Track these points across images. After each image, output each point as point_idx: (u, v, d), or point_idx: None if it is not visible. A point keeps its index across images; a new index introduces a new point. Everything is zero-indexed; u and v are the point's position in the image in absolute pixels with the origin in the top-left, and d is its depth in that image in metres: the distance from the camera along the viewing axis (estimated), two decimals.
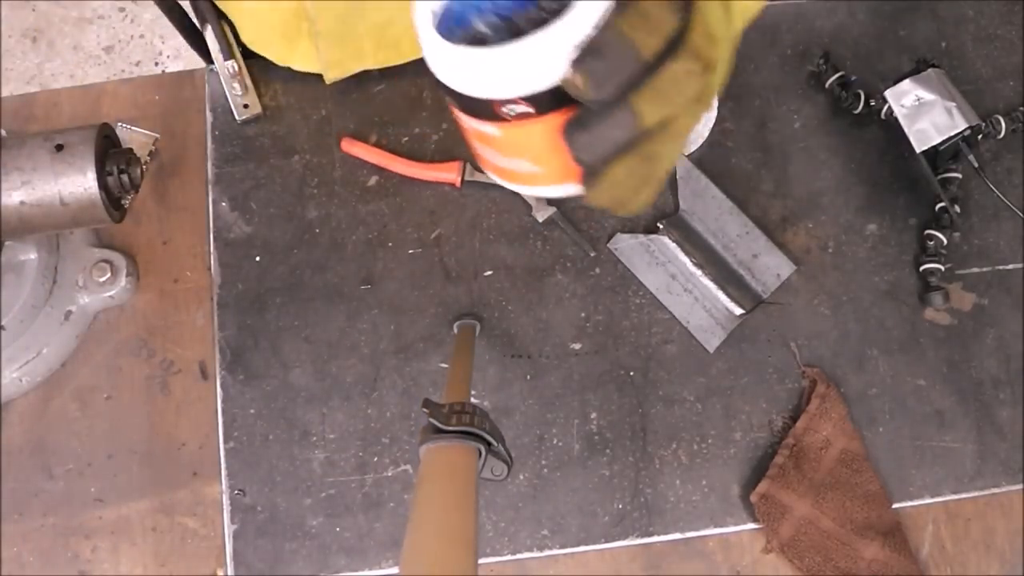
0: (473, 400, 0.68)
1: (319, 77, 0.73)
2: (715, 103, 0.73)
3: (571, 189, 0.46)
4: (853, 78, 0.72)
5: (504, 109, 0.42)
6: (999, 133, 0.69)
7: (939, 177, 0.68)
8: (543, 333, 0.70)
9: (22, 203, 0.58)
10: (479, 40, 0.44)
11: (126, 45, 1.80)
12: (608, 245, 0.71)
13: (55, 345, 0.70)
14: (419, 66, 0.73)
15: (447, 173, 0.72)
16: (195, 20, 0.77)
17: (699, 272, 0.70)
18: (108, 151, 0.60)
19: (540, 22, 0.43)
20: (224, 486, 0.68)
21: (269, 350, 0.70)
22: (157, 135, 0.75)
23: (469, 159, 0.73)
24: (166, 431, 0.70)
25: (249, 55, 0.75)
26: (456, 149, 0.74)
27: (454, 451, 0.48)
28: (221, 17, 0.73)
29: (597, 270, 0.71)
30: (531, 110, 0.42)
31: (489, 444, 0.49)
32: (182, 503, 0.69)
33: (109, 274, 0.71)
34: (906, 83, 0.66)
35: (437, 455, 0.48)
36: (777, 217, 0.72)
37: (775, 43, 0.75)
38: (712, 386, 0.69)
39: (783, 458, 0.66)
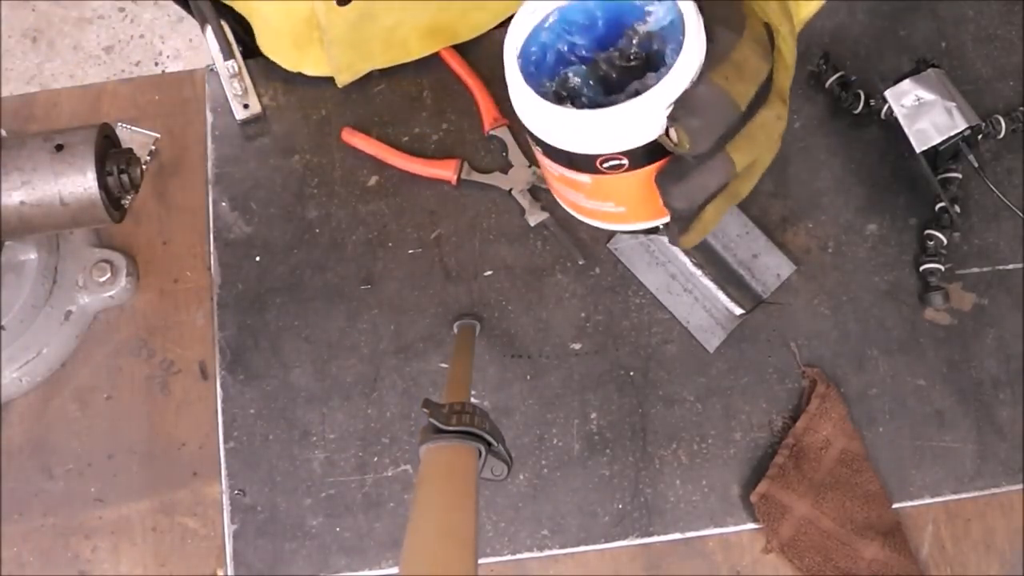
0: (473, 400, 0.68)
1: (319, 77, 0.73)
2: None
3: (651, 224, 0.47)
4: (853, 78, 0.72)
5: (599, 163, 0.42)
6: (999, 133, 0.69)
7: (939, 177, 0.68)
8: (543, 333, 0.70)
9: (22, 203, 0.58)
10: (570, 89, 0.44)
11: (126, 45, 1.80)
12: (608, 245, 0.71)
13: (55, 345, 0.70)
14: (420, 66, 0.73)
15: (444, 170, 0.72)
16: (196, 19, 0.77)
17: (699, 272, 0.70)
18: (108, 151, 0.60)
19: (625, 70, 0.44)
20: (224, 486, 0.68)
21: (269, 350, 0.70)
22: (157, 135, 0.75)
23: (468, 158, 0.73)
24: (166, 431, 0.70)
25: (249, 55, 0.75)
26: (456, 149, 0.74)
27: (454, 451, 0.48)
28: (221, 17, 0.73)
29: (597, 270, 0.71)
30: (625, 162, 0.42)
31: (489, 444, 0.49)
32: (182, 503, 0.69)
33: (109, 274, 0.71)
34: (906, 83, 0.66)
35: (437, 455, 0.48)
36: (777, 217, 0.72)
37: None
38: (712, 386, 0.69)
39: (783, 458, 0.66)
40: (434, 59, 0.74)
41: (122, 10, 1.82)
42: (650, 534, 0.66)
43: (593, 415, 0.68)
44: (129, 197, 0.62)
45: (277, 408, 0.69)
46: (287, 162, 0.74)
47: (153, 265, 0.73)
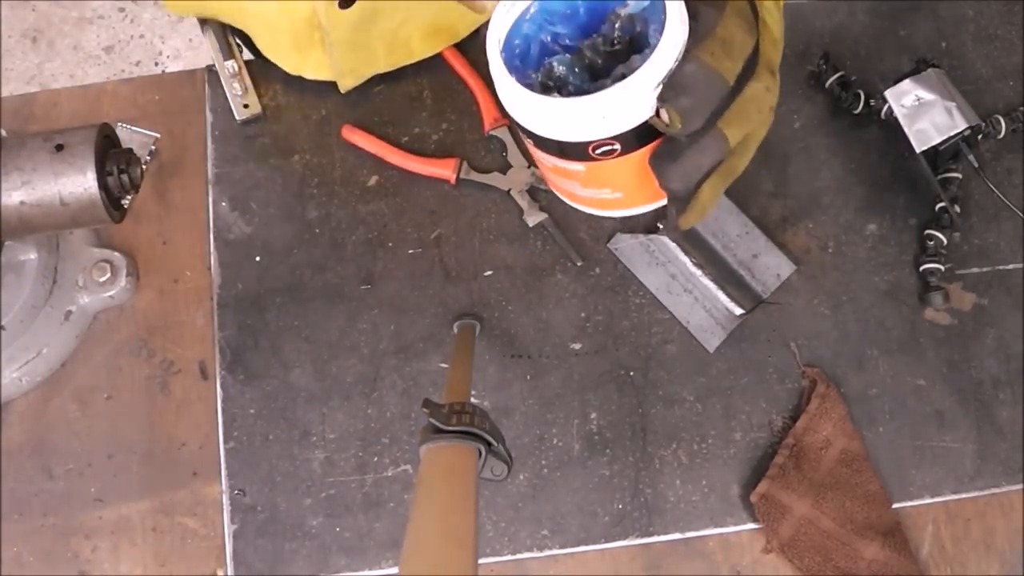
0: (473, 400, 0.68)
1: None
2: None
3: (650, 207, 0.46)
4: (853, 78, 0.72)
5: (590, 149, 0.42)
6: (999, 133, 0.69)
7: (939, 177, 0.68)
8: (543, 333, 0.70)
9: (22, 203, 0.58)
10: (556, 79, 0.44)
11: (126, 45, 1.80)
12: (608, 245, 0.71)
13: (55, 345, 0.70)
14: (420, 66, 0.73)
15: (443, 169, 0.72)
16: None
17: (699, 272, 0.70)
18: (108, 151, 0.60)
19: (610, 55, 0.43)
20: (224, 486, 0.68)
21: (269, 350, 0.70)
22: (157, 135, 0.75)
23: (468, 158, 0.73)
24: (166, 431, 0.70)
25: (249, 55, 0.75)
26: (455, 148, 0.74)
27: (454, 451, 0.48)
28: None
29: (597, 270, 0.71)
30: (617, 147, 0.41)
31: (489, 444, 0.49)
32: (182, 503, 0.69)
33: (109, 274, 0.71)
34: (906, 83, 0.66)
35: (437, 455, 0.48)
36: (777, 217, 0.72)
37: None
38: (712, 386, 0.69)
39: (783, 458, 0.66)
40: (434, 59, 0.74)
41: (122, 10, 1.82)
42: (650, 534, 0.66)
43: (593, 415, 0.68)
44: (129, 197, 0.62)
45: (277, 408, 0.69)
46: (287, 162, 0.74)
47: (153, 265, 0.73)
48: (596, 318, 0.70)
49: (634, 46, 0.43)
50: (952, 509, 0.66)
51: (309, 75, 0.71)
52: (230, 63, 0.73)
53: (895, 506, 0.66)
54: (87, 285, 0.71)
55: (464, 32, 0.73)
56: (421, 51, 0.71)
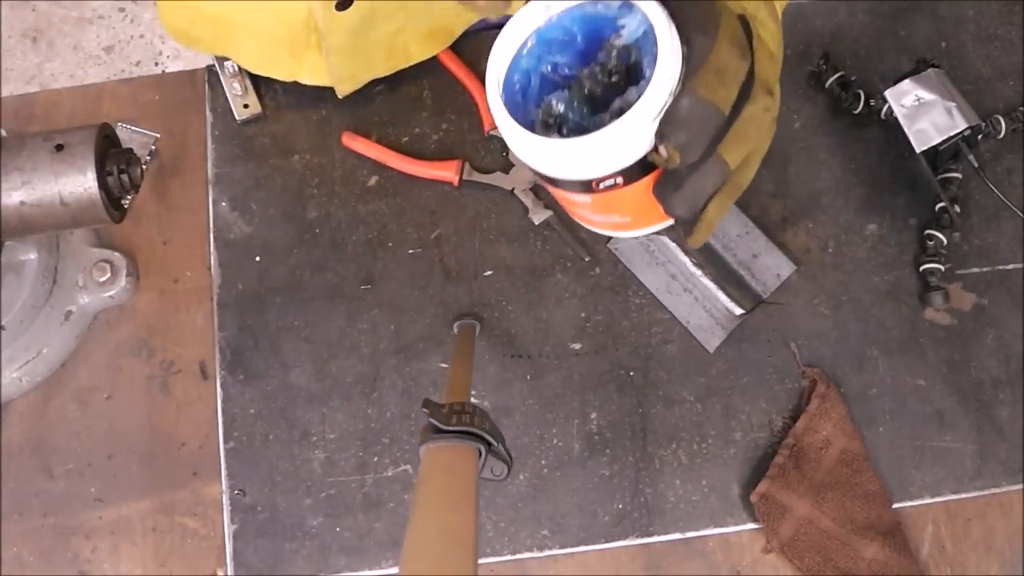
0: (473, 400, 0.69)
1: None
2: None
3: (660, 227, 0.47)
4: (853, 78, 0.72)
5: (594, 184, 0.42)
6: (999, 133, 0.69)
7: (939, 177, 0.68)
8: (543, 333, 0.70)
9: (22, 203, 0.58)
10: (555, 116, 0.44)
11: (126, 45, 1.80)
12: (608, 245, 0.71)
13: (55, 345, 0.70)
14: (419, 66, 0.73)
15: (445, 172, 0.72)
16: None
17: (699, 272, 0.70)
18: (108, 151, 0.60)
19: (608, 87, 0.43)
20: (224, 486, 0.68)
21: (269, 350, 0.70)
22: (157, 135, 0.75)
23: (468, 159, 0.73)
24: (166, 431, 0.70)
25: None
26: (456, 148, 0.74)
27: (454, 451, 0.48)
28: None
29: (597, 270, 0.71)
30: (620, 180, 0.42)
31: (489, 444, 0.49)
32: (182, 503, 0.69)
33: (109, 274, 0.71)
34: (906, 83, 0.66)
35: (437, 455, 0.48)
36: (777, 217, 0.72)
37: None
38: (712, 386, 0.69)
39: (783, 458, 0.66)
40: (434, 60, 0.74)
41: (122, 10, 1.82)
42: (650, 534, 0.66)
43: (593, 415, 0.68)
44: (129, 197, 0.62)
45: (277, 408, 0.69)
46: (287, 162, 0.74)
47: (153, 265, 0.73)
48: (596, 318, 0.70)
49: (631, 77, 0.43)
50: (952, 509, 0.66)
51: (305, 80, 0.70)
52: (230, 63, 0.73)
53: (895, 506, 0.66)
54: (87, 285, 0.71)
55: (459, 31, 0.73)
56: (419, 54, 0.71)
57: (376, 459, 0.68)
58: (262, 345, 0.70)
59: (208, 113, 0.75)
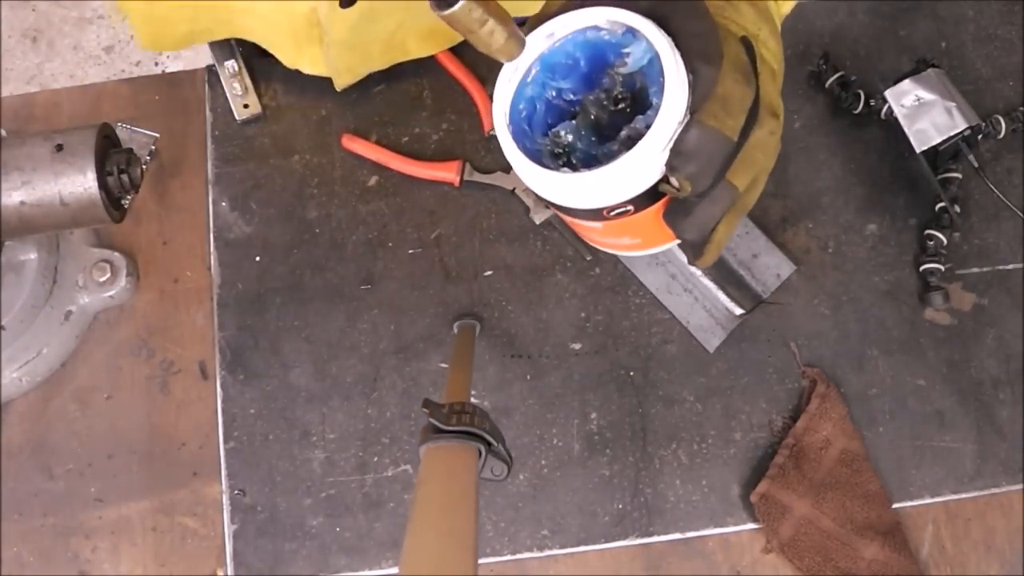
0: (473, 400, 0.69)
1: (319, 77, 0.73)
2: None
3: (669, 246, 0.47)
4: (853, 78, 0.72)
5: (604, 212, 0.42)
6: (999, 133, 0.69)
7: (939, 177, 0.68)
8: (543, 333, 0.70)
9: (22, 203, 0.58)
10: (563, 146, 0.44)
11: (126, 45, 1.80)
12: None
13: (55, 345, 0.70)
14: (419, 66, 0.73)
15: (446, 172, 0.72)
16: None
17: (699, 272, 0.70)
18: (108, 151, 0.60)
19: (615, 113, 0.43)
20: (224, 486, 0.68)
21: (269, 350, 0.70)
22: (157, 135, 0.75)
23: (469, 159, 0.73)
24: (166, 431, 0.70)
25: (249, 54, 0.75)
26: (456, 148, 0.74)
27: (454, 451, 0.48)
28: None
29: (597, 270, 0.71)
30: (630, 208, 0.42)
31: (489, 444, 0.49)
32: (182, 503, 0.69)
33: (109, 274, 0.71)
34: (906, 83, 0.66)
35: (437, 455, 0.48)
36: (777, 217, 0.72)
37: None
38: (712, 386, 0.69)
39: (783, 458, 0.66)
40: (433, 60, 0.74)
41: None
42: (650, 534, 0.66)
43: (593, 415, 0.68)
44: (129, 197, 0.62)
45: (277, 408, 0.69)
46: (287, 162, 0.74)
47: (153, 265, 0.73)
48: (596, 318, 0.70)
49: (637, 104, 0.43)
50: (952, 509, 0.66)
51: (306, 69, 0.71)
52: (230, 63, 0.73)
53: (895, 506, 0.66)
54: (87, 285, 0.71)
55: (459, 36, 0.73)
56: (417, 51, 0.71)
57: (376, 459, 0.68)
58: (262, 345, 0.70)
59: (208, 113, 0.75)
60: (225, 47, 0.74)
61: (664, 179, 0.41)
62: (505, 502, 0.67)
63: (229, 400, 0.70)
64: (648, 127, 0.40)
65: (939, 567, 0.65)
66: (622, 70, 0.43)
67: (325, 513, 0.67)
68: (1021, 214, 0.67)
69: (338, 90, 0.71)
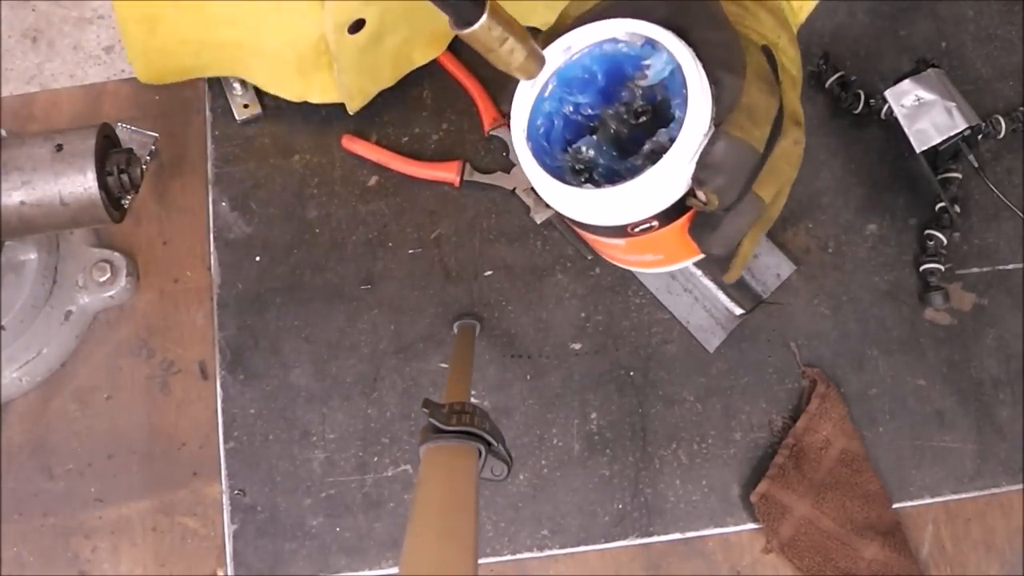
0: (473, 400, 0.69)
1: None
2: None
3: (691, 261, 0.47)
4: (853, 78, 0.72)
5: (629, 229, 0.42)
6: (999, 133, 0.69)
7: (939, 177, 0.68)
8: (543, 333, 0.70)
9: (22, 203, 0.58)
10: (584, 161, 0.43)
11: None
12: None
13: (55, 345, 0.70)
14: (420, 67, 0.73)
15: (446, 173, 0.72)
16: None
17: (699, 272, 0.69)
18: (108, 151, 0.60)
19: (635, 127, 0.43)
20: (224, 486, 0.68)
21: (269, 350, 0.70)
22: (157, 135, 0.75)
23: (469, 158, 0.73)
24: (166, 431, 0.70)
25: None
26: (456, 148, 0.74)
27: (454, 451, 0.48)
28: None
29: (597, 270, 0.71)
30: (655, 223, 0.41)
31: (489, 444, 0.49)
32: (182, 503, 0.69)
33: (109, 274, 0.71)
34: (906, 83, 0.66)
35: (437, 455, 0.48)
36: (777, 217, 0.71)
37: None
38: (712, 386, 0.69)
39: (783, 458, 0.66)
40: (433, 60, 0.74)
41: None
42: (650, 534, 0.66)
43: (593, 415, 0.68)
44: (129, 197, 0.62)
45: (277, 408, 0.69)
46: (287, 162, 0.74)
47: (153, 265, 0.73)
48: (596, 318, 0.70)
49: (658, 117, 0.42)
50: (952, 509, 0.66)
51: (315, 99, 0.70)
52: None
53: (895, 506, 0.66)
54: (87, 285, 0.71)
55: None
56: (421, 59, 0.71)
57: (376, 459, 0.68)
58: (262, 345, 0.70)
59: (208, 113, 0.75)
60: None
61: (690, 193, 0.40)
62: (505, 502, 0.67)
63: (229, 400, 0.70)
64: (672, 140, 0.39)
65: (939, 567, 0.65)
66: (642, 83, 0.42)
67: (325, 513, 0.67)
68: (1021, 214, 0.67)
69: (351, 113, 0.71)
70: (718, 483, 0.67)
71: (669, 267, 0.48)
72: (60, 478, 0.69)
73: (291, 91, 0.70)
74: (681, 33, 0.40)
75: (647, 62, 0.42)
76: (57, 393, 0.71)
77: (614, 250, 0.46)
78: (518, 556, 0.67)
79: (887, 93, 0.66)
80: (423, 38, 0.69)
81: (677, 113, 0.40)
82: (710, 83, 0.40)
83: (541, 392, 0.69)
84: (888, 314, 0.69)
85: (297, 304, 0.71)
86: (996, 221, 0.71)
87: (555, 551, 0.66)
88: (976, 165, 0.67)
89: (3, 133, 0.68)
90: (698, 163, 0.39)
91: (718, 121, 0.39)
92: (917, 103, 0.65)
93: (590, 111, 0.44)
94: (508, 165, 0.73)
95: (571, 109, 0.44)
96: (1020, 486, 0.66)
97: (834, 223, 0.71)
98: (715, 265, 0.44)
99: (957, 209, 0.68)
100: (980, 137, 0.69)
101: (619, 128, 0.43)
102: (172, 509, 0.68)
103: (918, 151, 0.65)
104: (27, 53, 1.79)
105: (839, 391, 0.67)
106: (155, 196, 0.75)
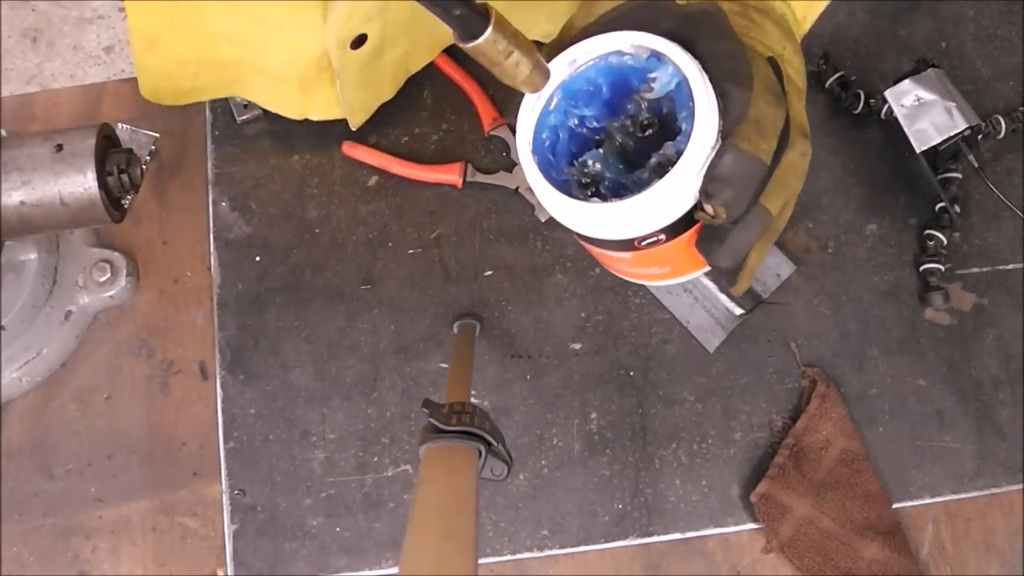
0: (473, 400, 0.69)
1: None
2: None
3: (698, 274, 0.46)
4: (853, 78, 0.72)
5: (636, 243, 0.42)
6: (999, 133, 0.69)
7: (939, 177, 0.68)
8: (543, 333, 0.70)
9: (22, 203, 0.58)
10: (590, 175, 0.43)
11: (126, 45, 1.80)
12: None
13: (55, 345, 0.70)
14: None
15: (449, 174, 0.72)
16: None
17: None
18: (108, 151, 0.60)
19: (642, 140, 0.43)
20: (224, 486, 0.68)
21: (269, 350, 0.70)
22: (157, 135, 0.75)
23: (469, 158, 0.73)
24: (166, 431, 0.70)
25: None
26: (456, 148, 0.74)
27: (454, 451, 0.48)
28: None
29: (597, 270, 0.71)
30: (663, 237, 0.41)
31: (489, 444, 0.49)
32: (182, 503, 0.69)
33: (109, 274, 0.71)
34: (906, 83, 0.66)
35: (437, 455, 0.48)
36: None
37: None
38: (712, 386, 0.69)
39: (783, 458, 0.66)
40: (432, 61, 0.74)
41: (122, 10, 1.82)
42: (650, 534, 0.66)
43: (593, 415, 0.68)
44: (129, 197, 0.62)
45: (277, 408, 0.69)
46: (287, 162, 0.74)
47: (153, 265, 0.73)
48: (596, 318, 0.70)
49: (665, 130, 0.42)
50: (952, 509, 0.66)
51: (316, 116, 0.69)
52: None
53: (895, 506, 0.66)
54: (87, 285, 0.71)
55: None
56: (418, 64, 0.71)
57: (376, 459, 0.68)
58: (262, 345, 0.70)
59: (208, 113, 0.75)
60: None
61: (698, 206, 0.40)
62: (505, 502, 0.67)
63: (229, 400, 0.70)
64: (679, 153, 0.39)
65: (939, 567, 0.65)
66: (648, 95, 0.42)
67: (325, 513, 0.67)
68: (1021, 214, 0.67)
69: (353, 129, 0.71)
70: (718, 483, 0.67)
71: (675, 280, 0.47)
72: (60, 478, 0.69)
73: (292, 109, 0.69)
74: (687, 45, 0.40)
75: (653, 75, 0.41)
76: (57, 393, 0.71)
77: (620, 263, 0.46)
78: (518, 556, 0.67)
79: (887, 93, 0.66)
80: (422, 49, 0.69)
81: (684, 126, 0.40)
82: (717, 96, 0.39)
83: (541, 392, 0.69)
84: (888, 314, 0.69)
85: (297, 304, 0.71)
86: (996, 221, 0.71)
87: (555, 551, 0.66)
88: (976, 165, 0.67)
89: (3, 133, 0.68)
90: (706, 176, 0.39)
91: (725, 134, 0.39)
92: (917, 103, 0.65)
93: (596, 124, 0.44)
94: (510, 164, 0.73)
95: (576, 122, 0.44)
96: (1020, 486, 0.66)
97: (834, 223, 0.71)
98: (724, 277, 0.44)
99: (957, 209, 0.68)
100: (980, 137, 0.69)
101: (625, 141, 0.43)
102: (172, 509, 0.68)
103: (918, 151, 0.65)
104: (27, 53, 1.79)
105: (839, 391, 0.67)
106: (155, 196, 0.75)
